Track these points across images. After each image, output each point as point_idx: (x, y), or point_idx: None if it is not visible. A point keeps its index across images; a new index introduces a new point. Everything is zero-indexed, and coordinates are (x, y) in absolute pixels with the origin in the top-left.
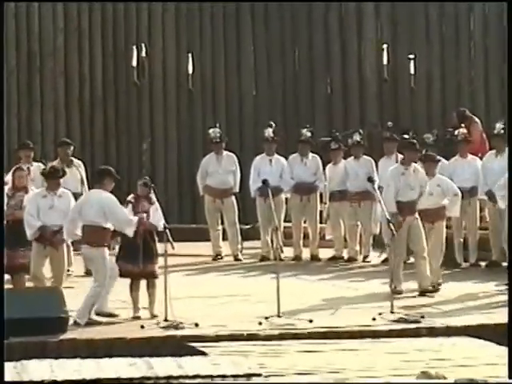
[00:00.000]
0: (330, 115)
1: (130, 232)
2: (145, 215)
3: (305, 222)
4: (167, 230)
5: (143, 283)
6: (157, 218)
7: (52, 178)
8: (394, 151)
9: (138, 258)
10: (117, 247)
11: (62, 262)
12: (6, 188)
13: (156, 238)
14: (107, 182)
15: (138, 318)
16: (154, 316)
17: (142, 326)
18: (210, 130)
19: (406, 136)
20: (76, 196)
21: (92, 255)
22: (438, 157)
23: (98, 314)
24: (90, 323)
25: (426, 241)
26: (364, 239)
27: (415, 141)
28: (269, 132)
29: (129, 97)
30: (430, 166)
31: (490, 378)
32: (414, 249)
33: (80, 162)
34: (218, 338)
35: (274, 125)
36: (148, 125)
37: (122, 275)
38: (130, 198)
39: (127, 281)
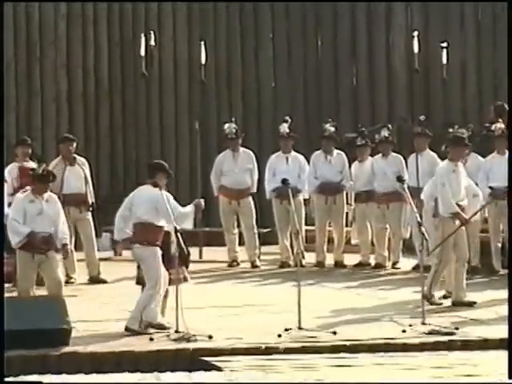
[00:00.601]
0: (355, 109)
1: (189, 224)
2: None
3: (329, 225)
4: (179, 234)
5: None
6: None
7: (43, 181)
8: (425, 147)
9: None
10: None
11: (56, 270)
12: (8, 187)
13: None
14: (159, 178)
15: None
16: (164, 327)
17: (151, 339)
18: (225, 125)
19: (450, 130)
20: (79, 197)
21: (143, 255)
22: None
23: (147, 326)
24: (135, 332)
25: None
26: (393, 244)
27: (463, 135)
28: (284, 128)
29: (137, 89)
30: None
31: None
32: (457, 254)
33: (84, 160)
34: (233, 352)
35: (289, 120)
36: (157, 119)
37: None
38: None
39: (130, 289)
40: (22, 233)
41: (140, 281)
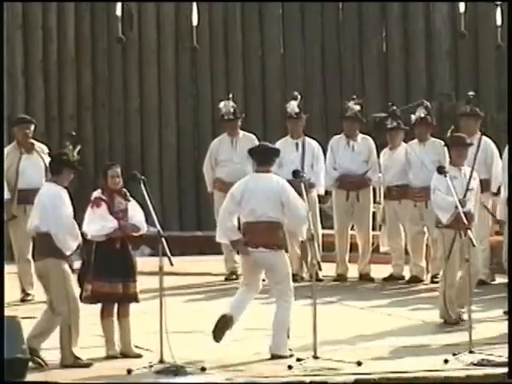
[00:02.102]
0: (385, 82)
1: (302, 233)
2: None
3: (352, 228)
4: (163, 240)
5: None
6: (138, 216)
7: (74, 169)
8: (475, 131)
9: (116, 273)
10: (77, 262)
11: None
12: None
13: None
14: (270, 165)
15: (115, 356)
16: (135, 356)
17: (130, 371)
18: (222, 104)
19: None
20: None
21: (272, 260)
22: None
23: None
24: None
25: None
26: (432, 252)
27: None
28: (293, 106)
29: (111, 57)
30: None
31: None
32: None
33: (44, 147)
34: None
35: (299, 96)
36: (137, 95)
37: (94, 298)
38: (99, 193)
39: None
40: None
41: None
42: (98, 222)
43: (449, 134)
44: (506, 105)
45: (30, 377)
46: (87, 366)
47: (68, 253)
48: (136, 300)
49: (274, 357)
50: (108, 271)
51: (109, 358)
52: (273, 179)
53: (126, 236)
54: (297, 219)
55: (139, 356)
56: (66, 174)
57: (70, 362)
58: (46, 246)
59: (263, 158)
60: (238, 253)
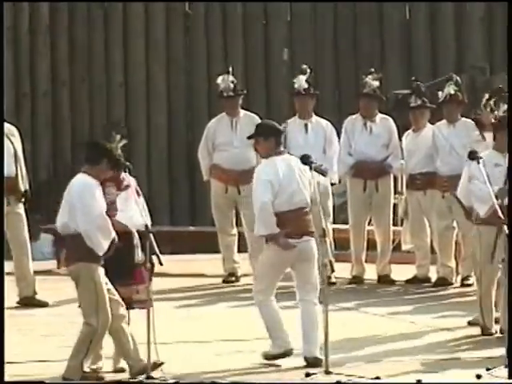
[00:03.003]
0: (407, 53)
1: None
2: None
3: (370, 223)
4: (151, 236)
5: None
6: (128, 212)
7: (114, 164)
8: None
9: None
10: None
11: None
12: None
13: (136, 245)
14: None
15: (96, 372)
16: (119, 370)
17: None
18: (220, 79)
19: None
20: (6, 182)
21: (315, 249)
22: None
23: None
24: None
25: None
26: (463, 250)
27: None
28: (301, 81)
29: (91, 23)
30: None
31: None
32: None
33: (13, 129)
34: None
35: (308, 70)
36: (120, 68)
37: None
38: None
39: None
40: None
41: None
42: None
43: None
44: None
45: None
46: (99, 379)
47: (101, 253)
48: (126, 306)
49: (309, 360)
50: None
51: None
52: (296, 160)
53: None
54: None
55: (122, 370)
56: (103, 166)
57: (74, 374)
58: (77, 248)
59: (280, 137)
60: (280, 246)
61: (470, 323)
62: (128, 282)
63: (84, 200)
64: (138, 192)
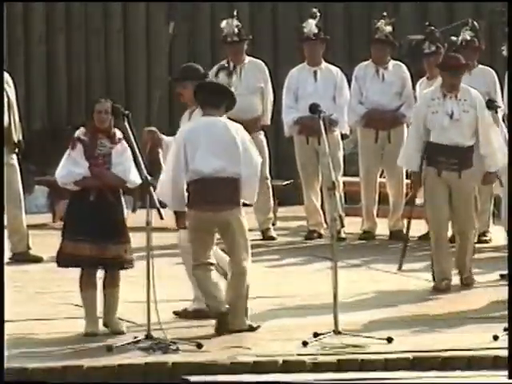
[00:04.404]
0: None
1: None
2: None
3: (382, 175)
4: (151, 189)
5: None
6: (125, 165)
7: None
8: None
9: (92, 232)
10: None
11: None
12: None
13: (123, 200)
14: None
15: (95, 334)
16: (118, 332)
17: (110, 348)
18: (223, 23)
19: None
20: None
21: None
22: None
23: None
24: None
25: None
26: (479, 204)
27: None
28: (311, 26)
29: None
30: None
31: None
32: None
33: (7, 76)
34: (234, 369)
35: (318, 14)
36: (119, 13)
37: (67, 262)
38: (80, 132)
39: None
40: None
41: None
42: (67, 167)
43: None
44: None
45: None
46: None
47: (254, 200)
48: (121, 266)
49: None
50: (76, 228)
51: (87, 335)
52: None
53: (105, 187)
54: None
55: (122, 332)
56: (223, 109)
57: (246, 326)
58: (234, 193)
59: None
60: None
61: (502, 276)
62: (122, 239)
63: (246, 145)
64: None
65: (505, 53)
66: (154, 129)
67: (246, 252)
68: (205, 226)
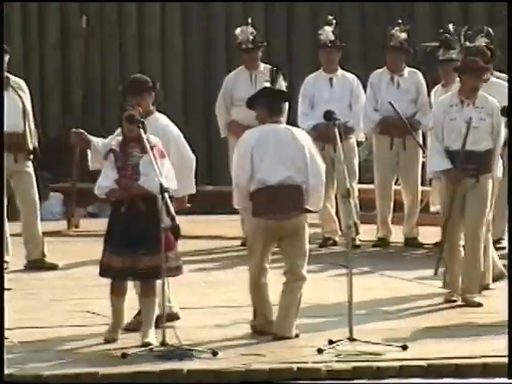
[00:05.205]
0: (437, 4)
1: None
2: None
3: (397, 183)
4: (166, 195)
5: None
6: (150, 175)
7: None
8: None
9: (123, 243)
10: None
11: None
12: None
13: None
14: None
15: (114, 340)
16: (147, 344)
17: (124, 355)
18: (238, 30)
19: None
20: (14, 138)
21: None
22: None
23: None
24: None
25: None
26: (494, 210)
27: None
28: (327, 33)
29: None
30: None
31: None
32: None
33: (21, 82)
34: (250, 376)
35: (334, 21)
36: (134, 18)
37: (103, 273)
38: (115, 142)
39: (93, 279)
40: None
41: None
42: (99, 180)
43: None
44: None
45: None
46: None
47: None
48: (156, 276)
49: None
50: (111, 240)
51: (106, 341)
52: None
53: (135, 197)
54: None
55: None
56: None
57: (292, 334)
58: (300, 199)
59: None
60: None
61: None
62: (156, 249)
63: (312, 153)
64: (162, 153)
65: None
66: (81, 131)
67: (304, 259)
68: (270, 233)
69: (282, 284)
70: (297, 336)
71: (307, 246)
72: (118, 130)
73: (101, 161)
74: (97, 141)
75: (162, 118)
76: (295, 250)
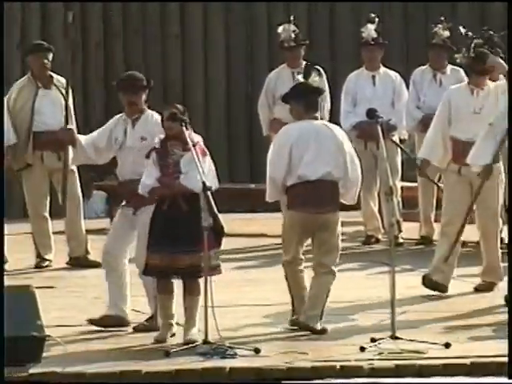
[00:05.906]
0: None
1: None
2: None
3: (439, 181)
4: (208, 193)
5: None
6: (190, 173)
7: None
8: None
9: (164, 242)
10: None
11: None
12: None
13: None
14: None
15: (162, 341)
16: (190, 342)
17: (168, 353)
18: (281, 28)
19: None
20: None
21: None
22: None
23: None
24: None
25: None
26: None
27: None
28: (369, 31)
29: None
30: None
31: None
32: None
33: (64, 80)
34: (292, 374)
35: (377, 19)
36: (177, 19)
37: (145, 271)
38: (158, 140)
39: (135, 276)
40: None
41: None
42: (142, 178)
43: None
44: None
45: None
46: None
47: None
48: (197, 275)
49: (309, 329)
50: (152, 238)
51: (157, 341)
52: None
53: (177, 195)
54: None
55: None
56: None
57: (317, 327)
58: (335, 196)
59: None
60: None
61: None
62: (196, 248)
63: (350, 148)
64: (204, 151)
65: None
66: (69, 127)
67: (335, 255)
68: (306, 227)
69: (311, 278)
70: (323, 330)
71: (339, 242)
72: (114, 117)
73: (82, 158)
74: (83, 138)
75: (154, 116)
76: (326, 245)
